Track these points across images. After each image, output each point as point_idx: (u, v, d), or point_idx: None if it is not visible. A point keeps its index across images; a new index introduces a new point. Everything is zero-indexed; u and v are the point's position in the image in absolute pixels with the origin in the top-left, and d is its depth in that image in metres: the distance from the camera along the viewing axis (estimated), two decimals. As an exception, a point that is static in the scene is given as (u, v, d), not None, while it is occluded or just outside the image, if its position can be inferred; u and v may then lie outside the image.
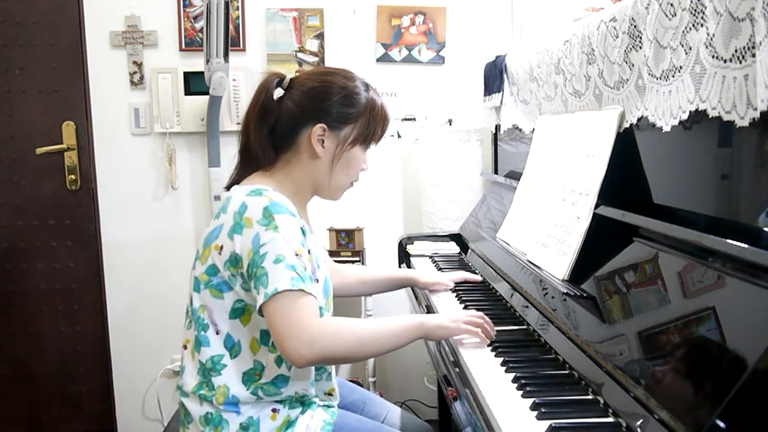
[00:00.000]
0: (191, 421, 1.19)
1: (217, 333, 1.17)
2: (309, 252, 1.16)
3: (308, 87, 1.23)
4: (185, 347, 1.23)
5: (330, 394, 1.30)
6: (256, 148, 1.22)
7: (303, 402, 1.22)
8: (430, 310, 1.52)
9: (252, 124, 1.23)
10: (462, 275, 1.64)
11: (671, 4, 0.96)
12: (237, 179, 1.26)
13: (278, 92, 1.24)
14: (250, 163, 1.25)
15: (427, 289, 1.61)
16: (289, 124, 1.22)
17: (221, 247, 1.14)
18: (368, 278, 1.59)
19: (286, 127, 1.23)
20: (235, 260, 1.12)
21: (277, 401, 1.19)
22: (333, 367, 1.33)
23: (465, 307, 1.46)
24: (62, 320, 2.51)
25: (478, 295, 1.56)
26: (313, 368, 1.23)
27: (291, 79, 1.26)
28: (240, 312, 1.16)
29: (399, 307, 2.44)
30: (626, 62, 1.15)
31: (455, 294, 1.57)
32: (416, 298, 1.66)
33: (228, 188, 1.25)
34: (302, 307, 1.07)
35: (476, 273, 1.76)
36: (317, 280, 1.20)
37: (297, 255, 1.09)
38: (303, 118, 1.22)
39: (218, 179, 2.37)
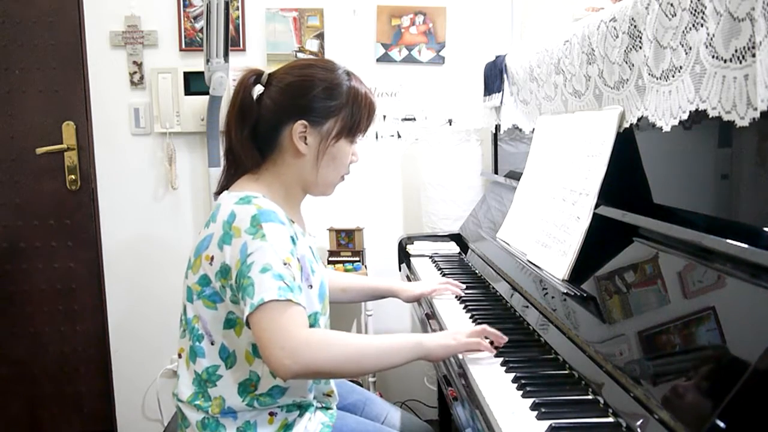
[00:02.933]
0: (188, 425, 1.17)
1: (212, 343, 1.14)
2: (299, 260, 1.13)
3: (287, 82, 1.18)
4: (180, 356, 1.21)
5: (329, 395, 1.28)
6: (239, 151, 1.18)
7: (300, 405, 1.20)
8: (432, 312, 1.52)
9: (233, 126, 1.18)
10: (445, 286, 1.57)
11: (671, 4, 0.96)
12: (226, 184, 1.22)
13: (258, 89, 1.18)
14: (236, 166, 1.21)
15: (410, 303, 1.59)
16: (270, 123, 1.17)
17: (212, 258, 1.11)
18: (349, 287, 1.54)
19: (268, 127, 1.18)
20: (225, 271, 1.09)
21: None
22: None
23: (465, 308, 1.46)
24: (62, 320, 2.51)
25: (477, 294, 1.56)
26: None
27: (269, 74, 1.20)
28: (233, 323, 1.13)
29: (399, 308, 2.45)
30: (626, 62, 1.15)
31: (457, 298, 1.57)
32: (418, 302, 1.66)
33: (218, 194, 1.22)
34: (289, 317, 1.02)
35: (476, 273, 1.76)
36: (311, 286, 1.17)
37: (285, 264, 1.05)
38: (283, 116, 1.17)
39: (218, 179, 2.36)
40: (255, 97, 1.18)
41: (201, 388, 1.15)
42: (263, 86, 1.20)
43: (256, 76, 1.20)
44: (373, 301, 1.63)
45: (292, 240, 1.11)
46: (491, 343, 1.15)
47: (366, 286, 1.58)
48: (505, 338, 1.16)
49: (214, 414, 1.13)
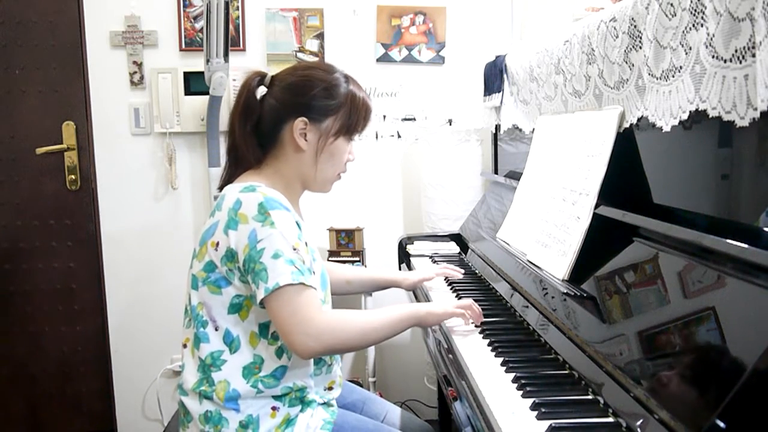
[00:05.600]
0: (191, 420, 1.19)
1: (216, 329, 1.18)
2: (306, 244, 1.18)
3: (288, 82, 1.25)
4: (185, 346, 1.23)
5: (330, 388, 1.30)
6: (242, 147, 1.25)
7: (303, 400, 1.22)
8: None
9: (236, 124, 1.25)
10: (443, 271, 1.66)
11: (671, 4, 0.96)
12: (228, 179, 1.28)
13: (261, 90, 1.26)
14: (238, 163, 1.27)
15: (413, 290, 1.65)
16: (272, 120, 1.24)
17: (217, 244, 1.16)
18: (353, 278, 1.61)
19: (269, 124, 1.24)
20: (231, 255, 1.14)
21: (276, 397, 1.19)
22: (333, 359, 1.32)
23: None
24: (62, 320, 2.51)
25: (477, 294, 1.56)
26: (311, 360, 1.23)
27: (272, 76, 1.28)
28: (238, 307, 1.17)
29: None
30: (626, 62, 1.15)
31: (455, 294, 1.57)
32: (416, 297, 1.67)
33: (220, 189, 1.27)
34: (306, 301, 1.10)
35: (476, 273, 1.76)
36: (313, 273, 1.21)
37: (294, 249, 1.12)
38: (284, 114, 1.23)
39: (218, 179, 2.36)
40: (258, 97, 1.25)
41: (205, 374, 1.18)
42: (266, 87, 1.27)
43: (259, 77, 1.27)
44: (376, 292, 1.70)
45: (298, 225, 1.17)
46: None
47: (369, 278, 1.65)
48: (481, 318, 1.29)
49: (218, 400, 1.16)
